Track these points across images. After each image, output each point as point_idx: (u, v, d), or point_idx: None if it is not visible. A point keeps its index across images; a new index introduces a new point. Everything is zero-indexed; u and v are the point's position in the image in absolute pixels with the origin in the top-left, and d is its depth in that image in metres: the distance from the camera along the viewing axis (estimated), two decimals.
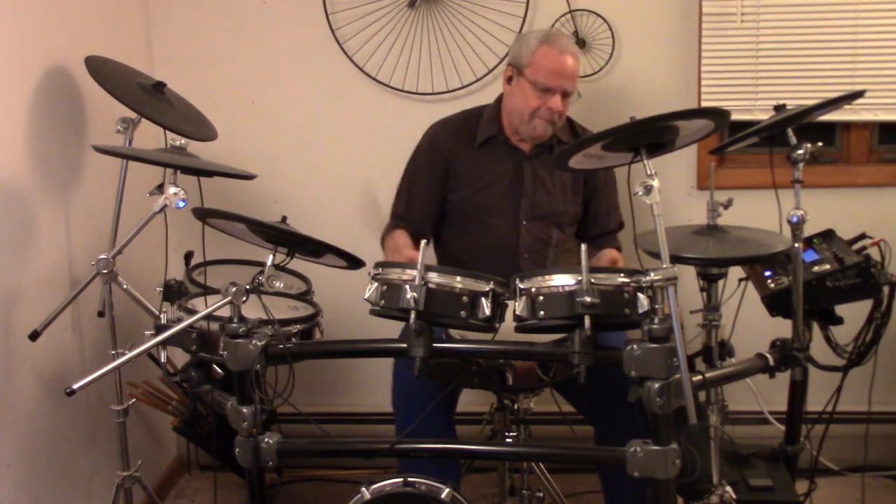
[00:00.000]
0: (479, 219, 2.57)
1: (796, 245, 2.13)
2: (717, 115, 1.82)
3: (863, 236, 2.37)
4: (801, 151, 2.11)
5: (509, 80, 2.51)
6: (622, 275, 1.74)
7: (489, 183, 2.56)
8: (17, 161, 2.26)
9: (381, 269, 1.83)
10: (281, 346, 1.92)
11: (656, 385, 1.68)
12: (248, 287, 1.86)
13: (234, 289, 1.85)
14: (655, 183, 1.70)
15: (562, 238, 2.58)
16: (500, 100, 2.59)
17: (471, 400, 2.87)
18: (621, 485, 2.30)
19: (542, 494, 2.33)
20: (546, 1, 2.90)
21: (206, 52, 3.03)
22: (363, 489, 1.87)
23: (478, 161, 2.57)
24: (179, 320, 2.13)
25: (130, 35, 2.93)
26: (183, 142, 2.23)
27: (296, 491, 3.04)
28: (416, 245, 2.51)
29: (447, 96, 2.96)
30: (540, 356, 1.92)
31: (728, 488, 2.16)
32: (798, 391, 2.28)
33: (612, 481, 2.36)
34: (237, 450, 1.92)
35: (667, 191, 2.80)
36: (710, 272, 2.19)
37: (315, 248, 1.99)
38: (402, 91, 2.98)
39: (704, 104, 2.85)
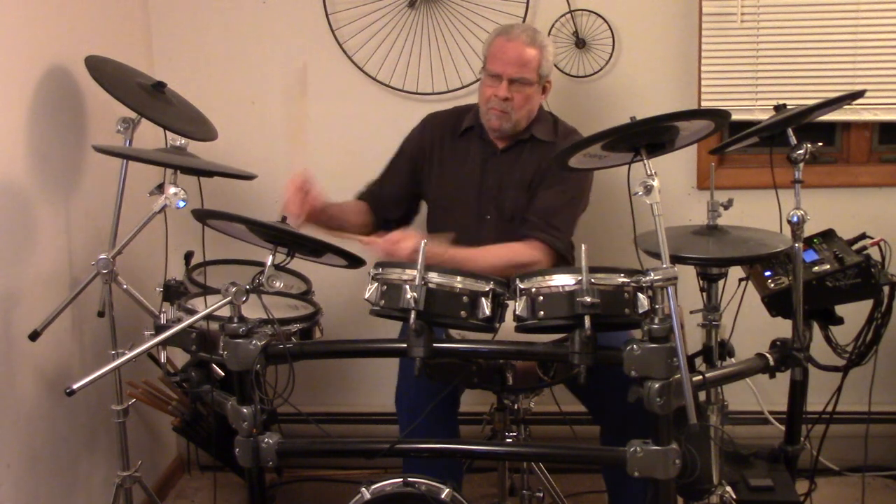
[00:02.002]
0: (447, 212, 2.60)
1: (796, 245, 2.13)
2: (717, 116, 1.82)
3: (863, 236, 2.37)
4: (801, 151, 2.11)
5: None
6: (622, 275, 1.74)
7: (456, 175, 2.58)
8: (17, 161, 2.25)
9: (381, 269, 1.83)
10: (281, 346, 1.92)
11: (656, 385, 1.68)
12: (248, 287, 1.86)
13: (234, 289, 1.85)
14: (655, 183, 1.70)
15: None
16: None
17: (471, 400, 2.87)
18: (626, 485, 2.30)
19: (542, 494, 2.33)
20: (546, 1, 2.91)
21: (206, 52, 3.03)
22: (363, 489, 1.87)
23: (454, 152, 2.60)
24: (179, 320, 2.13)
25: (130, 35, 2.93)
26: (183, 142, 2.23)
27: (296, 491, 3.04)
28: (367, 214, 2.58)
29: (447, 96, 2.96)
30: (540, 356, 1.92)
31: (728, 488, 2.16)
32: (798, 391, 2.28)
33: (616, 481, 2.36)
34: (237, 450, 1.91)
35: (667, 191, 2.79)
36: (710, 272, 2.19)
37: (315, 248, 1.99)
38: (402, 91, 2.98)
39: (704, 104, 2.85)
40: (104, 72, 2.32)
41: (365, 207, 2.61)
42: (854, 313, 2.35)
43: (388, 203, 2.64)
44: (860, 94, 2.31)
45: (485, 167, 2.56)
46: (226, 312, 1.89)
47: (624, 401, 1.74)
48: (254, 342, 1.87)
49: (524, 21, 2.89)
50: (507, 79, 2.41)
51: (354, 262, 2.04)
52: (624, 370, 1.71)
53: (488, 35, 2.55)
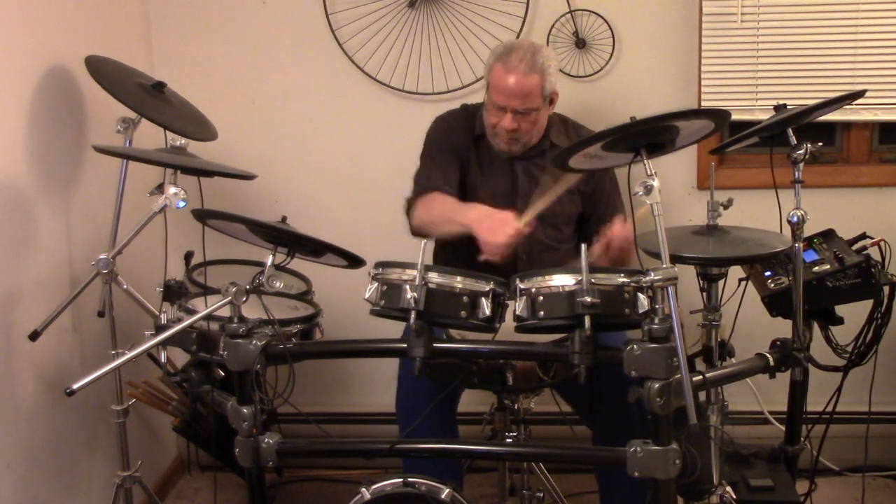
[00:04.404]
0: None
1: (796, 245, 2.13)
2: (717, 116, 1.82)
3: (863, 236, 2.37)
4: (801, 151, 2.11)
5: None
6: (622, 275, 1.74)
7: (485, 182, 2.56)
8: (17, 161, 2.25)
9: (381, 269, 1.84)
10: (281, 346, 1.92)
11: (656, 385, 1.68)
12: (248, 287, 1.86)
13: (234, 289, 1.85)
14: (655, 183, 1.70)
15: (558, 238, 2.57)
16: None
17: (471, 400, 2.87)
18: (618, 486, 2.30)
19: (542, 494, 2.33)
20: (546, 1, 2.90)
21: (206, 52, 3.03)
22: (363, 489, 1.87)
23: (475, 156, 2.57)
24: (179, 320, 2.13)
25: (130, 35, 2.93)
26: (183, 142, 2.23)
27: (296, 491, 3.04)
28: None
29: (447, 96, 2.96)
30: (540, 356, 1.92)
31: (728, 488, 2.16)
32: (798, 391, 2.28)
33: (608, 482, 2.36)
34: (237, 450, 1.92)
35: (667, 191, 2.80)
36: (710, 272, 2.19)
37: (315, 248, 1.99)
38: (402, 91, 2.98)
39: (704, 104, 2.85)
40: (104, 72, 2.32)
41: (444, 195, 2.49)
42: (854, 313, 2.35)
43: (450, 189, 2.52)
44: (860, 94, 2.31)
45: (514, 172, 2.55)
46: (226, 312, 1.89)
47: (612, 403, 1.74)
48: (254, 342, 1.87)
49: (524, 22, 2.88)
50: (510, 111, 2.39)
51: (354, 262, 2.04)
52: (624, 370, 1.71)
53: (489, 54, 2.50)
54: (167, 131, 2.31)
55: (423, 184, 2.51)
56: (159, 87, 2.41)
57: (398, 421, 2.35)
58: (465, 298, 1.77)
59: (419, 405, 2.22)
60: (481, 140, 2.57)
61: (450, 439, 2.32)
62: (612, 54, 2.91)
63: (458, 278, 1.78)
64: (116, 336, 2.34)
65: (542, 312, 1.76)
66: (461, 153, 2.56)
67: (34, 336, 2.20)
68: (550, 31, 2.91)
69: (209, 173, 2.22)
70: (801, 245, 2.14)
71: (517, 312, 1.79)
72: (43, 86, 2.35)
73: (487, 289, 1.78)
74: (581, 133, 2.61)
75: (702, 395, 2.15)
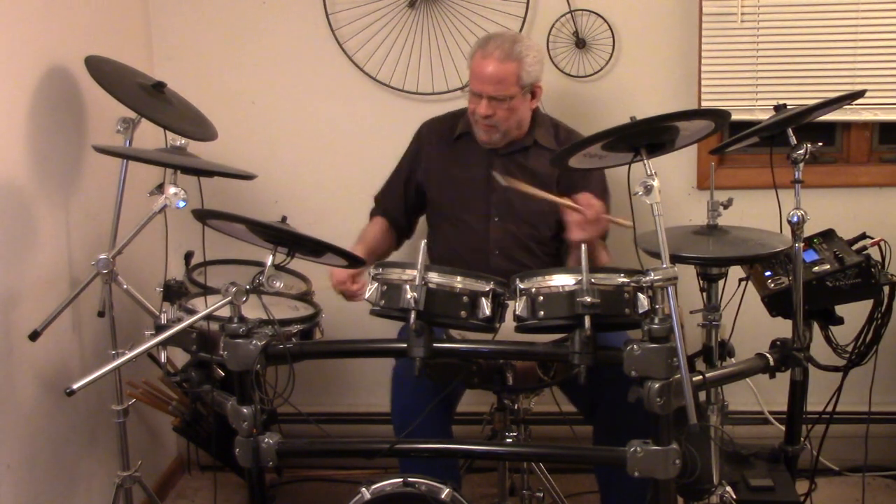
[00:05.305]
0: (452, 214, 2.61)
1: (796, 245, 2.13)
2: (717, 116, 1.82)
3: (863, 236, 2.37)
4: (801, 151, 2.11)
5: None
6: (622, 275, 1.74)
7: (461, 178, 2.60)
8: (17, 161, 2.25)
9: (381, 270, 1.84)
10: (281, 346, 1.92)
11: (656, 385, 1.68)
12: (248, 287, 1.86)
13: (234, 289, 1.85)
14: (655, 183, 1.70)
15: (535, 237, 2.58)
16: None
17: (471, 400, 2.86)
18: (618, 485, 2.30)
19: (542, 494, 2.33)
20: (546, 1, 2.91)
21: (206, 52, 3.03)
22: (363, 489, 1.87)
23: (453, 156, 2.62)
24: (179, 320, 2.13)
25: (130, 35, 2.93)
26: (183, 142, 2.23)
27: (296, 491, 3.04)
28: (389, 233, 2.67)
29: (447, 96, 2.96)
30: (540, 356, 1.92)
31: (728, 488, 2.16)
32: (798, 391, 2.28)
33: (608, 481, 2.36)
34: (237, 450, 1.92)
35: (667, 191, 2.79)
36: (710, 272, 2.19)
37: (315, 248, 1.99)
38: (402, 91, 2.98)
39: (704, 104, 2.85)
40: (104, 72, 2.32)
41: (386, 226, 2.71)
42: (854, 313, 2.35)
43: (395, 212, 2.72)
44: (860, 94, 2.31)
45: (491, 166, 2.56)
46: (226, 312, 1.89)
47: (615, 401, 1.74)
48: (254, 342, 1.87)
49: (524, 22, 2.89)
50: (486, 97, 2.43)
51: (354, 262, 2.04)
52: (624, 370, 1.71)
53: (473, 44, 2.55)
54: (167, 131, 2.31)
55: (376, 205, 2.77)
56: (159, 87, 2.41)
57: (393, 421, 2.35)
58: (465, 298, 1.77)
59: (416, 405, 2.22)
60: (464, 137, 2.61)
61: (449, 439, 2.32)
62: (612, 54, 2.91)
63: (458, 278, 1.78)
64: (116, 336, 2.34)
65: (542, 312, 1.76)
66: (428, 159, 2.66)
67: (34, 336, 2.20)
68: (550, 31, 2.91)
69: (209, 173, 2.22)
70: (801, 245, 2.14)
71: (517, 312, 1.79)
72: (43, 86, 2.35)
73: (487, 289, 1.78)
74: (573, 138, 2.60)
75: (702, 395, 2.15)
